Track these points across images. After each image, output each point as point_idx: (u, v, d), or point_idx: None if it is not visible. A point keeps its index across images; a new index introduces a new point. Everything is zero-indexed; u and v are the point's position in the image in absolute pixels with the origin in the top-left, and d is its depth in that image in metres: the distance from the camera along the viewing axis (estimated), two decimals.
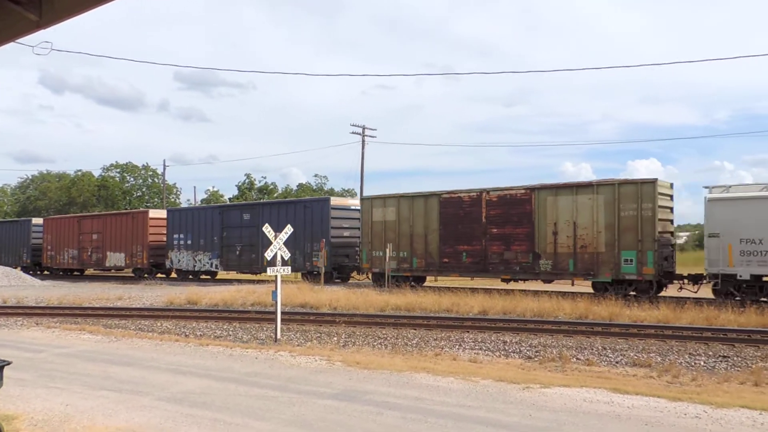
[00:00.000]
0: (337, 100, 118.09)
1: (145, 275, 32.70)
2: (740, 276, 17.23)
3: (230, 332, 14.69)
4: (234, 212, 30.18)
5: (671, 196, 20.20)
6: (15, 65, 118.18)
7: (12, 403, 7.45)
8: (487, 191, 22.52)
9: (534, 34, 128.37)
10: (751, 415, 6.83)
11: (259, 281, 29.12)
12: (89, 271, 39.80)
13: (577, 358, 11.17)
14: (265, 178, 78.06)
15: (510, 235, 21.78)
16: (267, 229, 13.58)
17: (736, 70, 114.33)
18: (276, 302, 13.14)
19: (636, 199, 19.16)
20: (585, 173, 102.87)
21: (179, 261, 31.81)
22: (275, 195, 65.62)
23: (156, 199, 66.18)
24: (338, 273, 27.38)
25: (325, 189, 68.50)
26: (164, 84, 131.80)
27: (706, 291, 18.84)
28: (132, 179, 68.80)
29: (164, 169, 57.37)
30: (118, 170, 68.48)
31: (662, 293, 19.67)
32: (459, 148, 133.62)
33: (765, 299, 17.10)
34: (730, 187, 18.29)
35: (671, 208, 20.23)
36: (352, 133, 42.80)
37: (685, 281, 19.19)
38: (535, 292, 19.60)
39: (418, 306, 18.06)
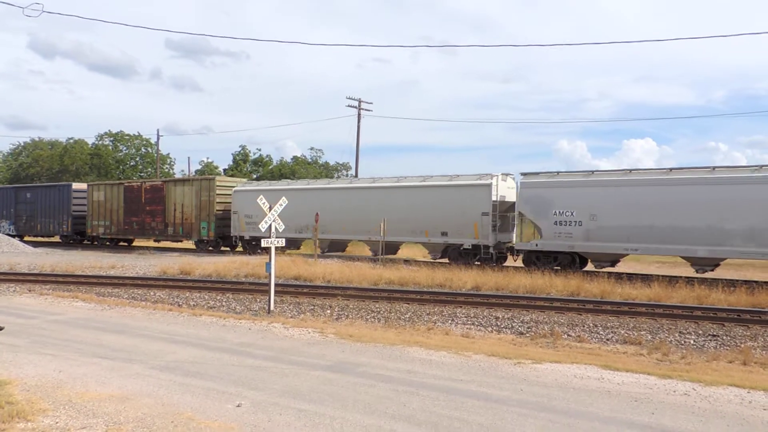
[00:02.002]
0: (333, 72, 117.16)
1: None
2: (245, 237, 29.61)
3: (223, 303, 14.71)
4: (22, 192, 40.65)
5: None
6: (3, 29, 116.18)
7: (5, 369, 7.46)
8: (145, 182, 35.44)
9: (531, 9, 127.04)
10: (739, 393, 6.91)
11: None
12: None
13: (569, 335, 11.25)
14: (260, 150, 77.57)
15: (155, 210, 33.33)
16: (261, 201, 13.48)
17: (734, 49, 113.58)
18: (270, 274, 13.14)
19: (208, 189, 31.04)
20: (580, 151, 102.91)
21: None
22: (270, 167, 65.30)
23: (150, 169, 65.69)
24: (80, 236, 37.67)
25: (320, 162, 68.21)
26: (156, 51, 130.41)
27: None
28: (125, 148, 68.14)
29: (158, 138, 56.74)
30: (111, 139, 67.78)
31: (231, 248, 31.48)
32: (455, 124, 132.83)
33: (260, 250, 27.67)
34: (249, 182, 33.19)
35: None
36: (348, 106, 42.53)
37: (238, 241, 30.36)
38: (527, 269, 19.70)
39: (412, 281, 18.12)
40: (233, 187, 30.90)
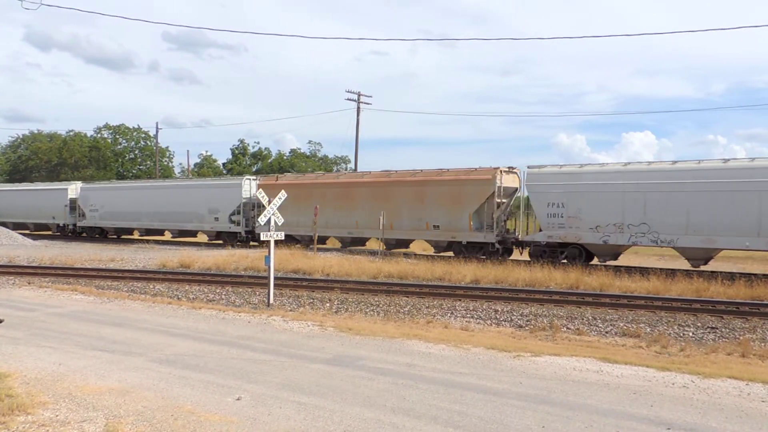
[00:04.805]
0: (331, 65, 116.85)
1: None
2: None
3: (223, 296, 14.72)
4: None
5: None
6: None
7: (5, 362, 7.46)
8: None
9: (530, 2, 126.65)
10: (737, 385, 6.93)
11: None
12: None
13: (568, 328, 11.27)
14: (258, 143, 77.31)
15: None
16: (261, 194, 13.48)
17: (733, 42, 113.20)
18: (269, 267, 13.13)
19: None
20: (579, 145, 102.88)
21: None
22: (269, 161, 65.19)
23: (149, 162, 65.56)
24: None
25: (319, 155, 68.08)
26: (153, 44, 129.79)
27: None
28: (124, 141, 67.93)
29: (157, 131, 56.56)
30: (110, 132, 67.58)
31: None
32: (454, 117, 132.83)
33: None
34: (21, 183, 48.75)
35: None
36: (347, 99, 42.37)
37: None
38: (527, 262, 19.71)
39: (411, 274, 18.12)
40: None
